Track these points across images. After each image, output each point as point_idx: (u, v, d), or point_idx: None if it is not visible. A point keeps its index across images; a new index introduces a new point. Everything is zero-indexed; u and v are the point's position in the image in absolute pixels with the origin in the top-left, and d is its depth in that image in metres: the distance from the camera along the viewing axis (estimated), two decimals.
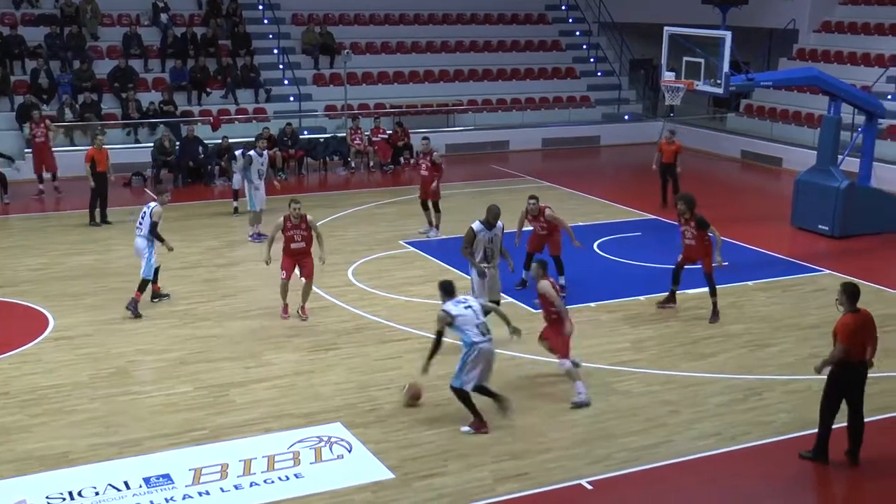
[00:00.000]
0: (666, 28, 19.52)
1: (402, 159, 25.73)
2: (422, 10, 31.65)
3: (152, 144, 23.49)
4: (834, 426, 9.78)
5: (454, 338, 10.65)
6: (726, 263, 14.41)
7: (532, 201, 14.65)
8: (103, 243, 18.07)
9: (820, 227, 18.85)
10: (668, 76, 19.27)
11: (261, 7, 29.97)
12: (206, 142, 23.72)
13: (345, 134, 25.77)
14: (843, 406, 9.76)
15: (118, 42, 26.90)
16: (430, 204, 18.56)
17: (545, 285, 11.20)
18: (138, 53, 26.78)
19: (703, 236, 13.80)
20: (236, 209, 20.09)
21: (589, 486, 9.44)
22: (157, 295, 14.62)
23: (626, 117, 31.05)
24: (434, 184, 18.31)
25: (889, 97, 25.10)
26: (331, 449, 10.07)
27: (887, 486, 9.69)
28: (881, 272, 16.41)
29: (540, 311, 11.69)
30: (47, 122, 22.12)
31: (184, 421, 10.69)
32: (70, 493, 9.14)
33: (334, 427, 10.52)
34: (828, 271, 16.45)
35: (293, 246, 13.89)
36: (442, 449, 10.07)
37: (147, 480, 9.37)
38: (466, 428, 10.41)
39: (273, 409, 10.98)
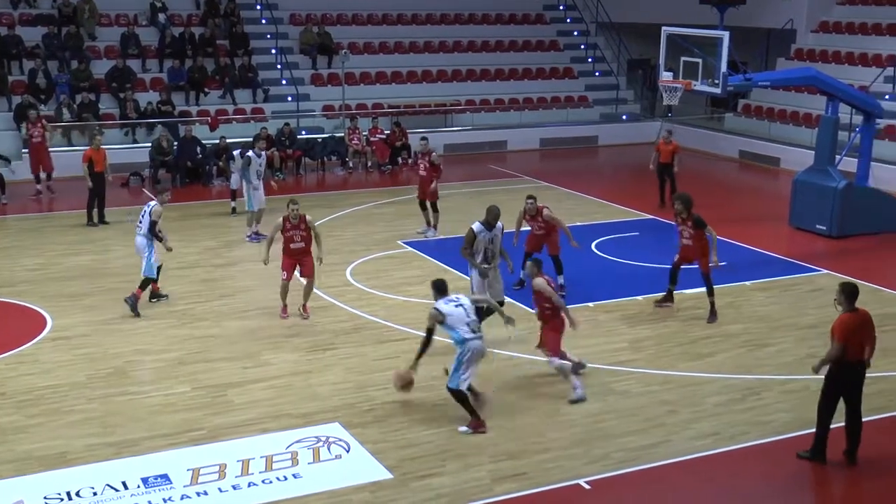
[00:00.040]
0: (664, 28, 19.53)
1: (399, 159, 25.71)
2: (419, 10, 31.64)
3: (150, 144, 23.45)
4: (832, 426, 9.78)
5: (445, 336, 10.65)
6: (723, 264, 14.41)
7: (530, 201, 14.67)
8: (101, 243, 18.05)
9: (818, 227, 18.87)
10: (666, 76, 19.27)
11: (259, 7, 29.94)
12: (204, 142, 23.71)
13: (343, 134, 25.75)
14: (841, 406, 9.77)
15: (116, 42, 26.87)
16: (428, 204, 18.57)
17: (540, 282, 11.29)
18: (136, 53, 26.75)
19: (700, 236, 13.80)
20: (234, 209, 20.07)
21: (587, 486, 9.44)
22: (156, 295, 14.61)
23: (624, 117, 31.05)
24: (432, 184, 18.31)
25: (887, 97, 25.13)
26: (329, 449, 10.06)
27: (885, 486, 9.70)
28: (879, 272, 16.42)
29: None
30: (44, 122, 22.11)
31: (182, 421, 10.68)
32: (68, 494, 9.13)
33: (332, 427, 10.52)
34: (826, 271, 16.46)
35: (293, 246, 13.89)
36: (440, 449, 10.07)
37: (145, 480, 9.36)
38: (464, 428, 10.41)
39: (271, 410, 10.98)
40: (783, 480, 9.66)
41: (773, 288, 15.65)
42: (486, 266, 12.87)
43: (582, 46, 32.86)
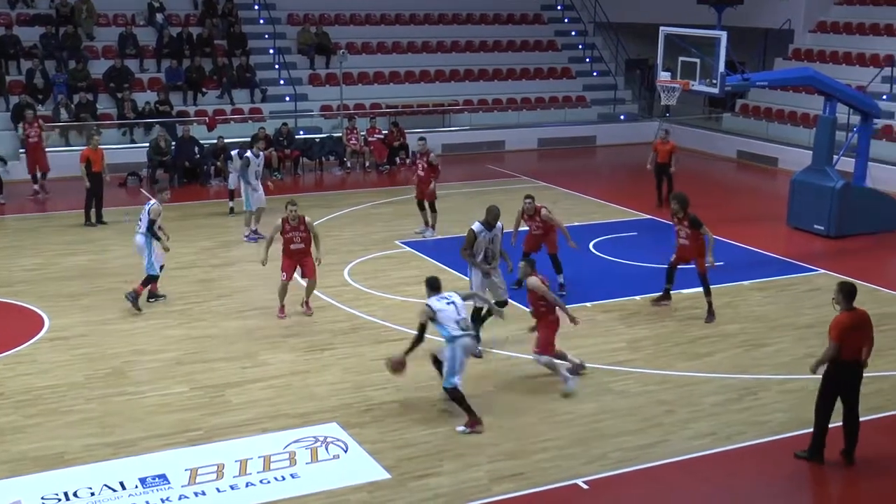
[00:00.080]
0: (662, 28, 19.53)
1: (397, 159, 25.70)
2: (417, 10, 31.63)
3: (148, 144, 23.43)
4: (829, 426, 9.79)
5: (436, 334, 10.65)
6: (719, 264, 14.41)
7: (528, 201, 14.68)
8: (99, 243, 18.04)
9: (815, 226, 18.88)
10: (663, 76, 19.27)
11: (256, 7, 29.93)
12: (201, 142, 23.70)
13: (341, 134, 25.74)
14: (839, 406, 9.78)
15: (114, 42, 26.86)
16: (426, 204, 18.57)
17: (533, 280, 11.38)
18: (134, 53, 26.74)
19: (697, 236, 13.81)
20: (232, 209, 20.07)
21: (585, 486, 9.44)
22: (153, 295, 14.60)
23: (622, 117, 31.05)
24: (431, 184, 18.31)
25: (884, 97, 25.15)
26: (327, 449, 10.07)
27: (883, 486, 9.70)
28: (876, 272, 16.44)
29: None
30: (40, 122, 22.10)
31: (179, 421, 10.68)
32: (66, 494, 9.12)
33: (330, 427, 10.52)
34: (823, 271, 16.47)
35: (293, 248, 13.90)
36: (438, 449, 10.08)
37: (143, 481, 9.36)
38: (462, 427, 10.42)
39: (269, 410, 10.98)
40: (781, 480, 9.67)
41: (770, 288, 15.66)
42: (486, 266, 12.87)
43: (580, 46, 32.87)
